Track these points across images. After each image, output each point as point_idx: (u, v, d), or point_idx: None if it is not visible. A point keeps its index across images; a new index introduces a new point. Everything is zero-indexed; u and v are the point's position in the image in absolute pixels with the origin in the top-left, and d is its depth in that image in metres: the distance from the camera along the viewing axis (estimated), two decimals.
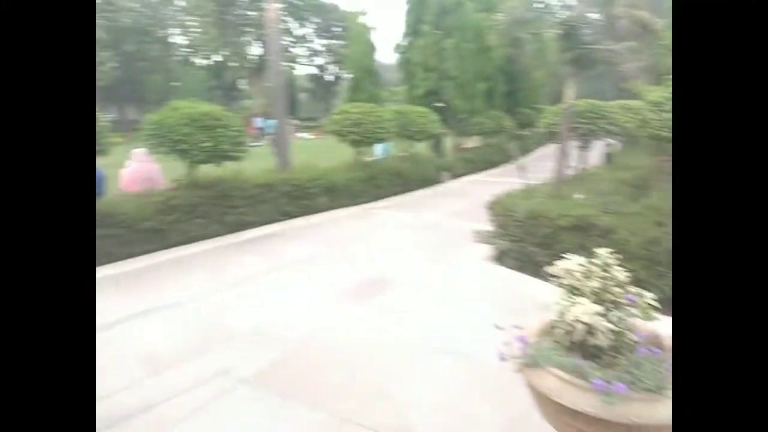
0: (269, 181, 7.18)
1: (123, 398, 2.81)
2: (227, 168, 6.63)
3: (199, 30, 34.49)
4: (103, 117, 5.66)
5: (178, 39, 38.32)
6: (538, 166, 9.02)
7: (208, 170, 6.54)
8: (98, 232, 5.10)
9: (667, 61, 5.45)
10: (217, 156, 6.06)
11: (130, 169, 6.42)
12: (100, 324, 3.80)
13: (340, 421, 2.58)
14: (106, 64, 32.93)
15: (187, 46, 38.25)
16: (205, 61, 38.88)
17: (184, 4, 35.80)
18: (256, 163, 7.69)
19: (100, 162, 5.57)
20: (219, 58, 36.53)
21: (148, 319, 3.93)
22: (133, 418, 2.62)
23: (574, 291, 1.82)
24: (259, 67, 32.33)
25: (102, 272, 4.93)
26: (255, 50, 33.88)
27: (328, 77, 42.88)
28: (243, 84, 40.60)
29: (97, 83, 32.97)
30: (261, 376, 3.05)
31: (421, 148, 12.08)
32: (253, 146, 9.51)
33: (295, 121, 24.37)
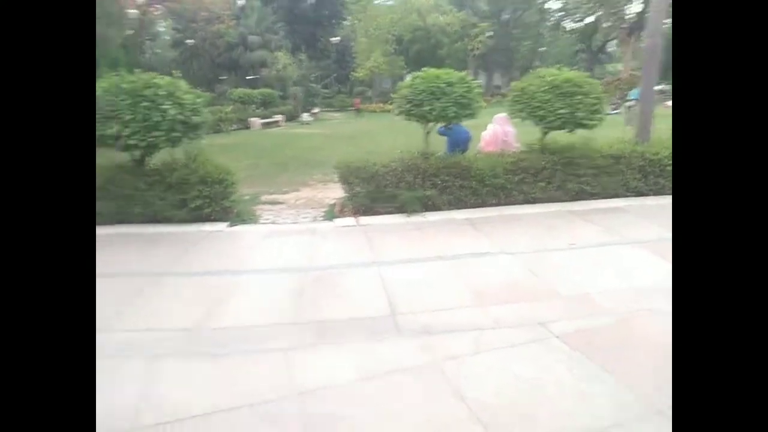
0: (620, 152, 6.73)
1: (449, 316, 3.52)
2: (579, 135, 6.61)
3: None
4: (476, 83, 6.56)
5: (553, 4, 38.74)
6: None
7: (559, 136, 6.71)
8: (455, 182, 6.20)
9: None
10: (572, 123, 6.12)
11: (489, 131, 7.30)
12: (450, 254, 4.75)
13: (645, 406, 2.46)
14: (484, 34, 36.66)
15: (560, 10, 38.13)
16: (576, 25, 38.01)
17: None
18: (611, 132, 7.29)
19: (469, 123, 6.62)
20: (591, 20, 34.95)
21: (483, 260, 4.61)
22: (456, 332, 3.27)
23: None
24: (633, 27, 29.24)
25: (456, 215, 6.05)
26: (634, 8, 30.59)
27: None
28: (612, 46, 37.80)
29: (474, 52, 37.89)
30: (575, 337, 3.17)
31: None
32: (612, 114, 8.93)
33: (664, 87, 20.87)
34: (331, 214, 6.51)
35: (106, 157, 6.16)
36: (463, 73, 6.26)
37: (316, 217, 6.52)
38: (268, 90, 29.15)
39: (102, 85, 5.55)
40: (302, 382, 2.74)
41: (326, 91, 38.89)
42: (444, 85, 5.84)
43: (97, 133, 5.39)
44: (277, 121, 25.00)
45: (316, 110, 30.58)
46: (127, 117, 5.28)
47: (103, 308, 3.72)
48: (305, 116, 27.56)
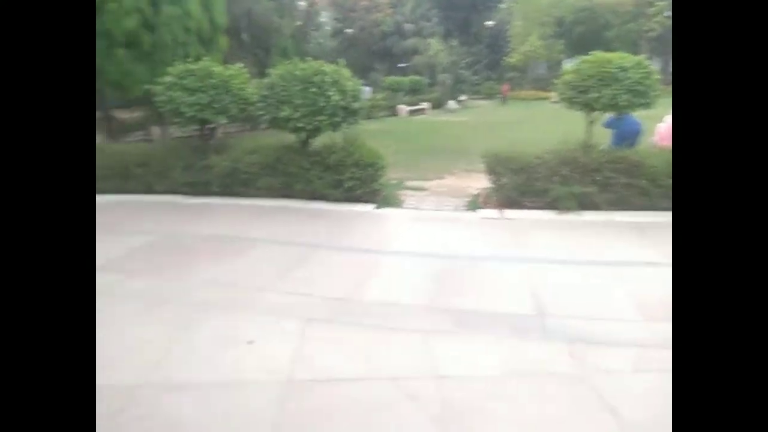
0: None
1: (606, 326, 3.19)
2: None
3: None
4: (653, 68, 5.76)
5: None
6: None
7: None
8: (619, 180, 5.55)
9: None
10: None
11: (666, 124, 6.38)
12: (608, 260, 4.31)
13: None
14: (663, 14, 32.03)
15: None
16: None
17: None
18: None
19: (644, 113, 5.86)
20: None
21: (648, 270, 4.08)
22: (613, 345, 2.95)
23: None
24: None
25: (618, 217, 5.46)
26: None
27: None
28: None
29: (649, 34, 33.26)
30: None
31: None
32: None
33: None
34: (474, 204, 6.41)
35: (277, 138, 6.94)
36: (639, 57, 5.55)
37: (458, 206, 6.48)
38: (417, 77, 29.70)
39: (278, 71, 6.21)
40: (442, 367, 2.76)
41: (475, 77, 38.11)
42: (616, 70, 5.25)
43: (271, 116, 6.09)
44: (423, 109, 25.39)
45: (462, 97, 30.23)
46: (298, 102, 5.84)
47: (268, 271, 4.25)
48: (451, 103, 27.46)
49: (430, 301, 3.61)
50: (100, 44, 10.40)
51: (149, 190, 7.20)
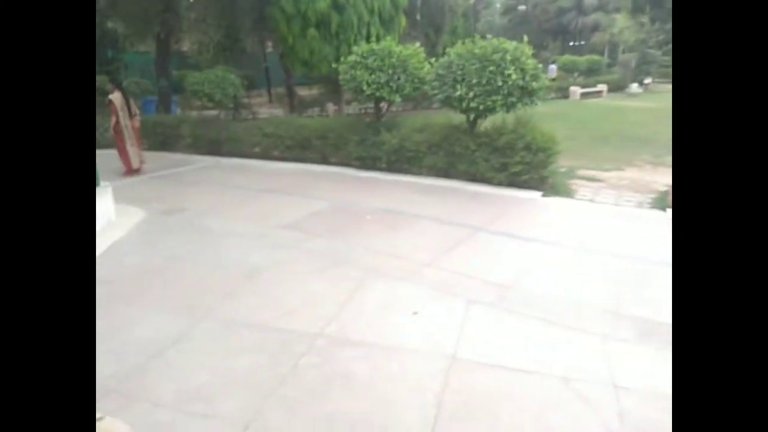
0: None
1: None
2: None
3: None
4: None
5: None
6: None
7: None
8: None
9: None
10: None
11: None
12: None
13: None
14: None
15: None
16: None
17: None
18: None
19: None
20: None
21: None
22: None
23: None
24: None
25: None
26: None
27: None
28: None
29: None
30: None
31: None
32: None
33: None
34: (662, 202, 5.60)
35: (447, 117, 6.96)
36: None
37: (642, 202, 5.74)
38: (595, 57, 26.87)
39: (455, 50, 6.15)
40: (620, 376, 2.51)
41: (666, 58, 32.98)
42: None
43: (445, 95, 6.09)
44: (599, 92, 22.93)
45: (647, 80, 26.47)
46: (474, 81, 5.74)
47: (431, 247, 4.33)
48: (634, 87, 24.30)
49: (606, 303, 3.28)
50: (295, 25, 11.62)
51: (324, 161, 7.94)
